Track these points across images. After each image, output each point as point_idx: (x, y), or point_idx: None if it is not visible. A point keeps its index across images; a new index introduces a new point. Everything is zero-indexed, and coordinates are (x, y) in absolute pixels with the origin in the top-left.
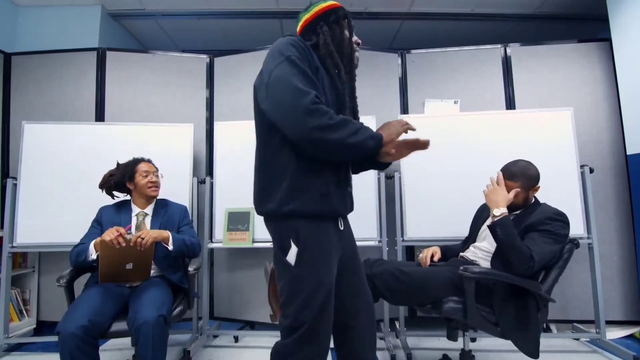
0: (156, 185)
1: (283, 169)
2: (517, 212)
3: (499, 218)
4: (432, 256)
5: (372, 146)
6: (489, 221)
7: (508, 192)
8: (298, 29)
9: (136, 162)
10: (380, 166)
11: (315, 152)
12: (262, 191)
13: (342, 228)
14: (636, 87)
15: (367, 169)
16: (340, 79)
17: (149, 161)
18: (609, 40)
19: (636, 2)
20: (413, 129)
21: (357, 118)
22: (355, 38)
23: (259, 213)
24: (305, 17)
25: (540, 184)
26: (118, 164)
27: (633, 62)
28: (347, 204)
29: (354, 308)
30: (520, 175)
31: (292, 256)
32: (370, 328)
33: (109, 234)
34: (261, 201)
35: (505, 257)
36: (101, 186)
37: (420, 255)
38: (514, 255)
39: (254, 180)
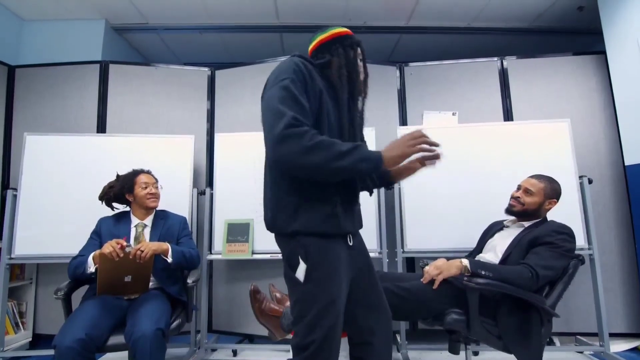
0: (155, 196)
1: (290, 187)
2: (523, 223)
3: (469, 264)
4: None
5: (366, 169)
6: (491, 250)
7: (528, 189)
8: (311, 47)
9: (135, 173)
10: (384, 185)
11: (299, 174)
12: (271, 208)
13: (351, 244)
14: (632, 98)
15: (377, 187)
16: (342, 101)
17: (148, 172)
18: (603, 53)
19: (628, 17)
20: (433, 144)
21: (362, 138)
22: (365, 66)
23: (268, 229)
24: (321, 37)
25: (556, 202)
26: (118, 176)
27: (628, 73)
28: (355, 222)
29: (371, 324)
30: (547, 180)
31: (300, 273)
32: (388, 344)
33: (109, 247)
34: (270, 218)
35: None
36: (101, 198)
37: (426, 267)
38: (513, 280)
39: (264, 197)
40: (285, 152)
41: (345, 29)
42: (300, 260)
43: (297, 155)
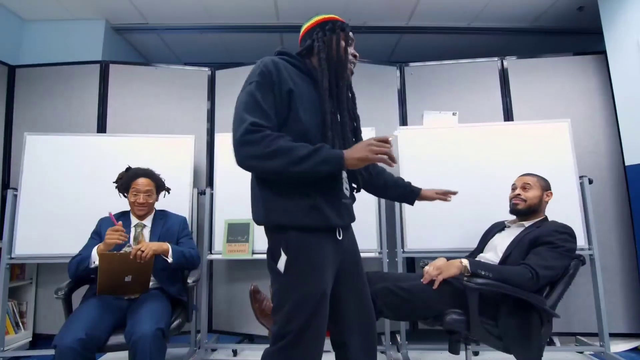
0: (143, 206)
1: (271, 183)
2: (524, 223)
3: (468, 265)
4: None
5: (327, 171)
6: (492, 250)
7: (526, 184)
8: (299, 37)
9: (136, 175)
10: (409, 201)
11: (264, 177)
12: (255, 202)
13: (340, 238)
14: (632, 99)
15: (390, 198)
16: (322, 88)
17: (149, 175)
18: (604, 53)
19: (628, 17)
20: (392, 158)
21: (356, 128)
22: (352, 50)
23: (257, 223)
24: (306, 26)
25: (552, 194)
26: (127, 169)
27: (628, 74)
28: (344, 216)
29: (350, 324)
30: (535, 175)
31: (281, 264)
32: (368, 347)
33: (111, 236)
34: (256, 212)
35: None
36: (115, 182)
37: (426, 267)
38: (513, 281)
39: (251, 191)
40: (244, 157)
41: (331, 15)
42: (282, 252)
43: (256, 160)
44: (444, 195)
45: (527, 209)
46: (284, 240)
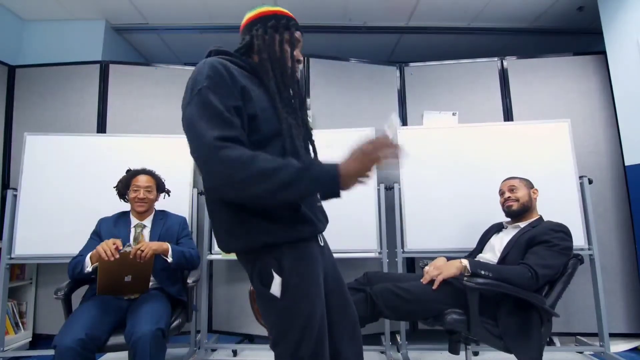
0: (144, 201)
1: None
2: (519, 224)
3: (468, 265)
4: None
5: (319, 191)
6: (490, 250)
7: (512, 187)
8: (240, 28)
9: (136, 173)
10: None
11: (239, 202)
12: (226, 230)
13: (322, 244)
14: (632, 99)
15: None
16: (271, 90)
17: (148, 173)
18: (603, 53)
19: (628, 17)
20: (388, 144)
21: (310, 136)
22: (297, 53)
23: (229, 251)
24: (247, 16)
25: (538, 191)
26: (127, 171)
27: (628, 74)
28: (322, 219)
29: (341, 331)
30: (518, 177)
31: (276, 287)
32: (358, 351)
33: (105, 247)
34: (229, 239)
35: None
36: (116, 188)
37: (426, 267)
38: (513, 280)
39: (212, 219)
40: (218, 183)
41: (277, 8)
42: (274, 274)
43: (235, 187)
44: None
45: (521, 207)
46: (275, 260)
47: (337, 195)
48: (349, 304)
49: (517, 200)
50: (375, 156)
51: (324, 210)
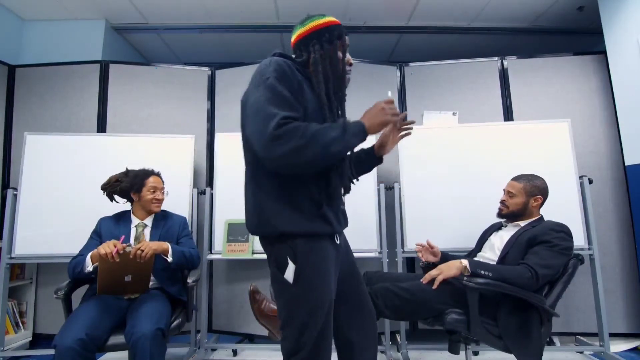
0: (160, 202)
1: (275, 190)
2: (519, 223)
3: (468, 265)
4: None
5: (357, 143)
6: (489, 249)
7: (510, 192)
8: (292, 41)
9: (147, 174)
10: (378, 161)
11: (293, 171)
12: (255, 213)
13: (338, 242)
14: (632, 99)
15: (367, 171)
16: (321, 98)
17: (158, 175)
18: (604, 52)
19: (628, 17)
20: (395, 107)
21: None
22: (348, 57)
23: (253, 233)
24: (299, 31)
25: (545, 200)
26: (127, 171)
27: (628, 74)
28: (342, 221)
29: (356, 322)
30: (525, 180)
31: (289, 274)
32: (372, 344)
33: (105, 248)
34: (255, 222)
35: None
36: (104, 188)
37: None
38: (513, 280)
39: (245, 201)
40: (280, 152)
41: (325, 19)
42: (289, 261)
43: (293, 155)
44: (402, 130)
45: (510, 214)
46: (291, 249)
47: (364, 139)
48: (364, 299)
49: (508, 207)
50: (390, 112)
51: (346, 212)
